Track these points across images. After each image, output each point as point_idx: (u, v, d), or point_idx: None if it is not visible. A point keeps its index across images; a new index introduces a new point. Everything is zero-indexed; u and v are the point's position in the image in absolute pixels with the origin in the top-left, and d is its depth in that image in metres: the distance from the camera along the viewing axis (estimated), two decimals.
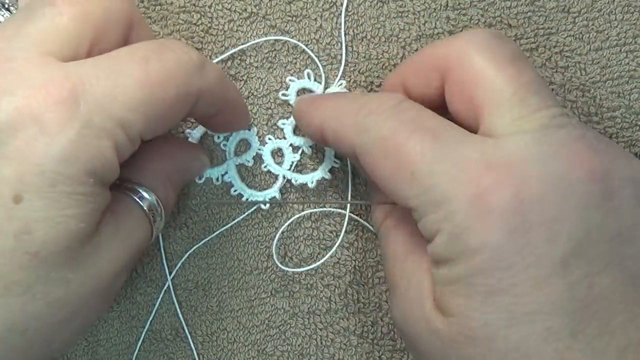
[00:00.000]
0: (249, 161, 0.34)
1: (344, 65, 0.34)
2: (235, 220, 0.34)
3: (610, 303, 0.24)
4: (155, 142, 0.29)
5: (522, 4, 0.33)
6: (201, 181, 0.34)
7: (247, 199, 0.34)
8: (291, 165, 0.34)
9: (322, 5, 0.34)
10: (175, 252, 0.34)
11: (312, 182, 0.34)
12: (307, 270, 0.34)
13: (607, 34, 0.33)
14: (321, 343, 0.34)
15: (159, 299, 0.34)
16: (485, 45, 0.26)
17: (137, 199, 0.29)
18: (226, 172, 0.34)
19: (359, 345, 0.34)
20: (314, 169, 0.34)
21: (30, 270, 0.24)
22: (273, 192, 0.34)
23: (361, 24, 0.34)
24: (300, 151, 0.34)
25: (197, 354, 0.35)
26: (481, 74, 0.26)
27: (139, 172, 0.30)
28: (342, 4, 0.33)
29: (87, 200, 0.24)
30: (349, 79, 0.34)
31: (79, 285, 0.25)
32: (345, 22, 0.34)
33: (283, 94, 0.34)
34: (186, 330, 0.35)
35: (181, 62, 0.26)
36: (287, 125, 0.33)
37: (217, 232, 0.34)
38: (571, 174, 0.24)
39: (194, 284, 0.35)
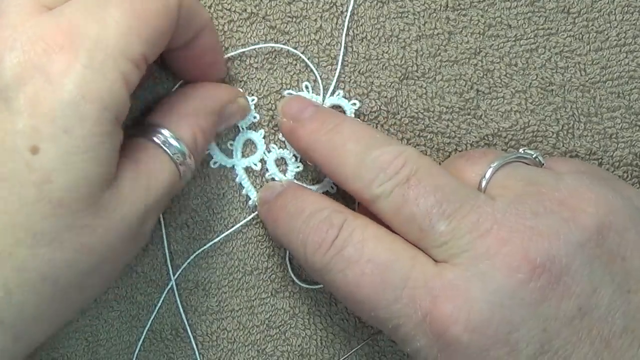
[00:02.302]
0: (256, 164, 0.34)
1: (344, 67, 0.34)
2: (240, 224, 0.34)
3: None
4: (186, 85, 0.29)
5: (522, 5, 0.33)
6: (215, 165, 0.34)
7: (253, 203, 0.34)
8: (294, 175, 0.34)
9: (322, 6, 0.34)
10: (176, 252, 0.34)
11: None
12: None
13: (607, 35, 0.33)
14: (321, 343, 0.34)
15: (160, 299, 0.34)
16: (381, 191, 0.28)
17: (160, 143, 0.29)
18: (236, 175, 0.34)
19: (359, 345, 0.34)
20: (317, 180, 0.34)
21: (55, 218, 0.24)
22: None
23: (361, 25, 0.34)
24: (301, 160, 0.34)
25: (198, 354, 0.35)
26: (389, 220, 0.28)
27: (165, 116, 0.30)
28: (342, 4, 0.33)
29: (102, 141, 0.25)
30: (348, 80, 0.34)
31: (105, 230, 0.26)
32: (345, 22, 0.34)
33: None
34: (187, 330, 0.35)
35: None
36: None
37: (223, 235, 0.34)
38: (511, 283, 0.25)
39: (194, 283, 0.35)
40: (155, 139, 0.29)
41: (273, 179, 0.34)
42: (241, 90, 0.33)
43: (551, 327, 0.25)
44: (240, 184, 0.34)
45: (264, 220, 0.32)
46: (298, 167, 0.34)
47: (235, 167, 0.34)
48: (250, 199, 0.34)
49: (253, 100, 0.34)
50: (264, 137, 0.34)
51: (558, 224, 0.26)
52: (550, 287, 0.25)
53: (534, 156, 0.30)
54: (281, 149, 0.34)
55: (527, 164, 0.30)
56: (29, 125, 0.24)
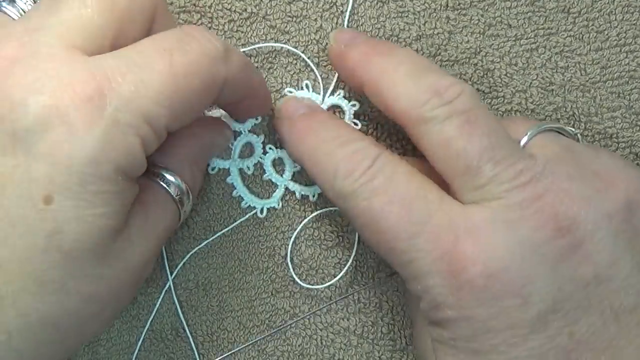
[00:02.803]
0: (249, 168, 0.34)
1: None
2: (237, 222, 0.34)
3: (593, 345, 0.25)
4: None
5: (522, 4, 0.33)
6: (214, 171, 0.34)
7: (246, 204, 0.34)
8: (293, 175, 0.34)
9: (322, 5, 0.33)
10: (176, 252, 0.34)
11: (313, 196, 0.34)
12: (326, 286, 0.34)
13: (607, 34, 0.33)
14: (321, 343, 0.34)
15: (160, 299, 0.34)
16: (436, 114, 0.27)
17: (164, 185, 0.29)
18: (229, 175, 0.34)
19: (359, 345, 0.34)
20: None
21: (63, 268, 0.24)
22: (273, 202, 0.34)
23: (361, 24, 0.34)
24: None
25: (198, 353, 0.35)
26: (435, 149, 0.27)
27: (165, 156, 0.29)
28: (342, 4, 0.33)
29: (115, 197, 0.25)
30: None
31: (112, 279, 0.26)
32: (345, 22, 0.33)
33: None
34: (187, 330, 0.35)
35: (205, 51, 0.26)
36: None
37: (219, 233, 0.34)
38: (536, 237, 0.25)
39: (194, 283, 0.35)
40: (160, 181, 0.29)
41: (270, 181, 0.34)
42: (227, 124, 0.33)
43: (565, 288, 0.25)
44: (233, 184, 0.34)
45: (281, 132, 0.32)
46: (296, 167, 0.34)
47: (230, 167, 0.34)
48: (243, 199, 0.34)
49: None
50: (262, 142, 0.34)
51: (590, 192, 0.26)
52: (571, 249, 0.25)
53: (574, 133, 0.30)
54: (278, 149, 0.34)
55: (566, 137, 0.30)
56: (45, 173, 0.23)
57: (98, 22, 0.25)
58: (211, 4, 0.33)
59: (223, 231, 0.34)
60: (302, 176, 0.34)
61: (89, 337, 0.28)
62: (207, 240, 0.34)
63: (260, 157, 0.34)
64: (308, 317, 0.34)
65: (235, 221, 0.34)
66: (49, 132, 0.23)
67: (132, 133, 0.24)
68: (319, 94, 0.33)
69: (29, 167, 0.23)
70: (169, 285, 0.34)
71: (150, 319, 0.35)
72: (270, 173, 0.34)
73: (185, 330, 0.35)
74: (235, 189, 0.34)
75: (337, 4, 0.33)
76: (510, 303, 0.25)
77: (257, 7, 0.33)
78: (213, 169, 0.34)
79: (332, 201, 0.29)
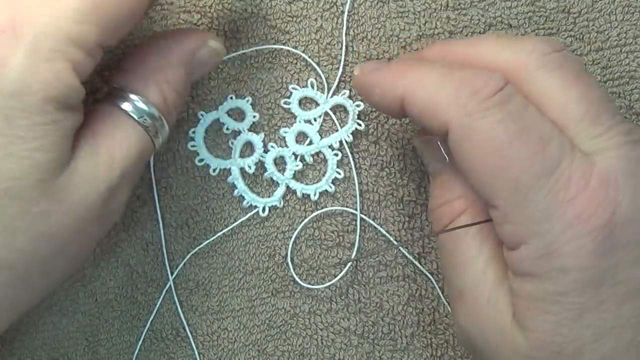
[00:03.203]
0: (250, 167, 0.33)
1: (344, 66, 0.34)
2: (237, 222, 0.34)
3: None
4: (147, 40, 0.27)
5: (522, 4, 0.33)
6: (200, 164, 0.34)
7: (248, 204, 0.34)
8: (294, 174, 0.34)
9: (323, 5, 0.33)
10: (176, 252, 0.34)
11: (315, 194, 0.34)
12: (326, 286, 0.34)
13: (607, 35, 0.33)
14: (322, 343, 0.34)
15: (160, 299, 0.34)
16: (548, 61, 0.26)
17: (123, 108, 0.27)
18: (230, 174, 0.34)
19: (360, 345, 0.34)
20: (316, 179, 0.34)
21: (4, 208, 0.23)
22: (274, 200, 0.34)
23: (362, 24, 0.34)
24: (301, 159, 0.34)
25: (198, 353, 0.35)
26: (549, 94, 0.26)
27: (126, 76, 0.28)
28: (342, 4, 0.33)
29: (50, 129, 0.24)
30: (349, 80, 0.34)
31: (63, 215, 0.25)
32: (345, 22, 0.33)
33: (285, 102, 0.34)
34: (187, 330, 0.35)
35: None
36: (290, 133, 0.33)
37: (219, 233, 0.34)
38: None
39: (194, 283, 0.35)
40: (117, 103, 0.27)
41: (271, 179, 0.34)
42: (210, 32, 0.30)
43: None
44: (234, 183, 0.34)
45: (368, 78, 0.29)
46: (297, 165, 0.34)
47: (230, 167, 0.34)
48: (244, 199, 0.34)
49: (248, 100, 0.33)
50: (262, 140, 0.34)
51: None
52: None
53: None
54: (280, 148, 0.34)
55: None
56: None
57: None
58: (211, 4, 0.33)
59: (223, 231, 0.34)
60: (303, 175, 0.34)
61: (59, 276, 0.27)
62: (208, 241, 0.34)
63: (262, 156, 0.34)
64: (308, 317, 0.34)
65: (236, 221, 0.34)
66: None
67: (56, 58, 0.23)
68: (323, 92, 0.33)
69: None
70: (169, 285, 0.34)
71: (151, 319, 0.35)
72: (272, 171, 0.33)
73: (185, 330, 0.35)
74: (237, 188, 0.34)
75: (337, 4, 0.33)
76: (627, 256, 0.24)
77: (258, 8, 0.33)
78: (215, 170, 0.34)
79: (438, 120, 0.26)
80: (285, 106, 0.34)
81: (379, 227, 0.34)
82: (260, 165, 0.34)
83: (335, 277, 0.34)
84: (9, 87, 0.23)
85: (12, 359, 0.35)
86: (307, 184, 0.34)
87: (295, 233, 0.34)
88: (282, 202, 0.34)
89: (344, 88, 0.34)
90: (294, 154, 0.33)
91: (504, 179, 0.25)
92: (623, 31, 0.33)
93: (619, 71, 0.33)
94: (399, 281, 0.34)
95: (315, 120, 0.34)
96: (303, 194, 0.34)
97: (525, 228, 0.24)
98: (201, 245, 0.34)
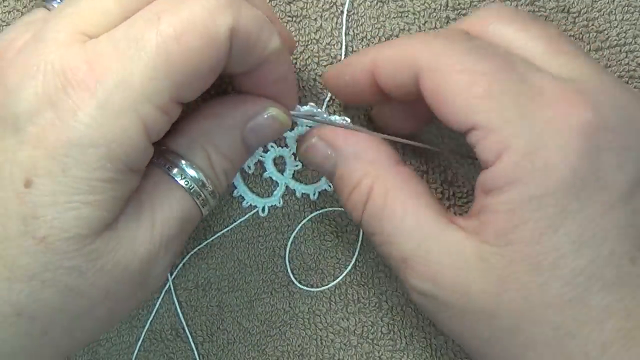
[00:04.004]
0: (250, 167, 0.33)
1: None
2: (237, 222, 0.34)
3: None
4: (204, 104, 0.27)
5: (522, 4, 0.33)
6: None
7: (248, 204, 0.34)
8: (293, 174, 0.34)
9: (322, 5, 0.33)
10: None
11: (314, 194, 0.34)
12: (326, 288, 0.34)
13: (607, 34, 0.33)
14: (321, 343, 0.34)
15: (160, 299, 0.34)
16: (503, 13, 0.27)
17: (168, 171, 0.26)
18: None
19: (359, 345, 0.34)
20: (315, 179, 0.34)
21: (36, 255, 0.23)
22: (274, 200, 0.34)
23: (361, 24, 0.34)
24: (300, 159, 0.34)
25: (197, 353, 0.35)
26: (509, 38, 0.26)
27: (175, 139, 0.27)
28: (342, 4, 0.33)
29: (105, 186, 0.23)
30: None
31: (96, 275, 0.24)
32: (345, 22, 0.33)
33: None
34: (186, 330, 0.35)
35: (201, 4, 0.23)
36: (291, 134, 0.33)
37: (219, 233, 0.34)
38: (636, 104, 0.25)
39: (194, 284, 0.35)
40: (164, 166, 0.26)
41: (271, 179, 0.34)
42: (274, 102, 0.28)
43: None
44: (234, 184, 0.34)
45: (339, 66, 0.30)
46: (297, 165, 0.33)
47: None
48: (244, 199, 0.34)
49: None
50: None
51: None
52: None
53: None
54: (280, 148, 0.33)
55: None
56: (28, 157, 0.23)
57: (112, 7, 0.24)
58: None
59: (223, 231, 0.34)
60: (303, 175, 0.34)
61: (84, 336, 0.26)
62: (207, 241, 0.34)
63: (261, 156, 0.33)
64: (307, 317, 0.34)
65: (235, 221, 0.34)
66: (38, 117, 0.23)
67: (126, 115, 0.23)
68: (321, 108, 0.33)
69: (15, 151, 0.23)
70: (169, 286, 0.34)
71: (150, 319, 0.35)
72: (271, 171, 0.33)
73: (185, 331, 0.35)
74: (236, 188, 0.34)
75: (337, 3, 0.33)
76: (609, 161, 0.24)
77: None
78: None
79: (405, 68, 0.27)
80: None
81: None
82: (260, 165, 0.34)
83: (334, 277, 0.34)
84: (72, 137, 0.23)
85: None
86: (306, 184, 0.34)
87: (294, 233, 0.34)
88: (281, 202, 0.34)
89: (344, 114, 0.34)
90: (293, 154, 0.33)
91: (477, 92, 0.24)
92: (623, 31, 0.33)
93: (619, 71, 0.33)
94: (398, 281, 0.34)
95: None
96: (302, 193, 0.34)
97: (505, 133, 0.24)
98: (200, 246, 0.34)
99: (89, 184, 0.23)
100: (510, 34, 0.26)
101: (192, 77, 0.24)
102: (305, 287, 0.34)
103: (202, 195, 0.27)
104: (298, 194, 0.34)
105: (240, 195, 0.34)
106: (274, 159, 0.34)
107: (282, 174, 0.34)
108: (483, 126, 0.24)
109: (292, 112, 0.29)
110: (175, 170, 0.26)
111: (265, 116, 0.28)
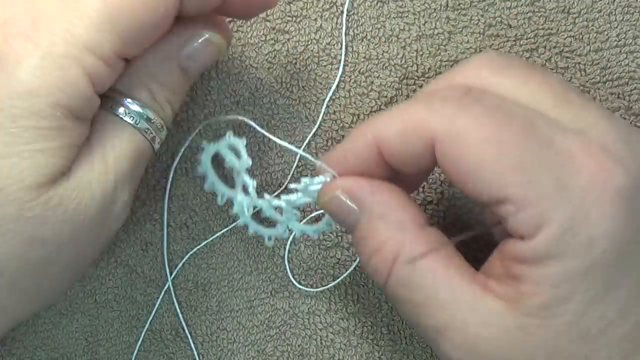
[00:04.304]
0: (248, 209, 0.30)
1: (344, 66, 0.34)
2: (236, 222, 0.34)
3: None
4: None
5: (522, 5, 0.33)
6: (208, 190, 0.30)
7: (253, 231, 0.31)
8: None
9: (322, 5, 0.33)
10: (175, 252, 0.34)
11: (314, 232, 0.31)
12: (326, 288, 0.34)
13: (607, 35, 0.33)
14: (321, 343, 0.35)
15: (159, 299, 0.34)
16: (496, 65, 0.26)
17: (115, 111, 0.26)
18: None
19: (359, 345, 0.34)
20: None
21: None
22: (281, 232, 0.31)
23: (361, 24, 0.34)
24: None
25: (197, 354, 0.35)
26: (512, 93, 0.25)
27: (119, 79, 0.26)
28: (342, 4, 0.33)
29: (56, 134, 0.24)
30: (349, 80, 0.34)
31: (57, 222, 0.24)
32: (345, 22, 0.33)
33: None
34: (186, 330, 0.35)
35: None
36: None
37: (219, 233, 0.34)
38: None
39: (194, 284, 0.35)
40: (109, 108, 0.26)
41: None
42: (209, 23, 0.28)
43: None
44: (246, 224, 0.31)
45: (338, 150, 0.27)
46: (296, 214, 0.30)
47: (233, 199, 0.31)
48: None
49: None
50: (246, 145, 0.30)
51: None
52: None
53: None
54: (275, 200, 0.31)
55: None
56: None
57: None
58: None
59: (223, 231, 0.34)
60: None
61: (53, 286, 0.26)
62: (207, 241, 0.34)
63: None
64: (307, 317, 0.34)
65: (235, 221, 0.34)
66: None
67: (71, 65, 0.23)
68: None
69: None
70: (169, 286, 0.34)
71: (150, 319, 0.35)
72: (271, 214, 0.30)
73: (184, 331, 0.35)
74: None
75: (337, 3, 0.33)
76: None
77: None
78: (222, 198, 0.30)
79: (418, 137, 0.25)
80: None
81: None
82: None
83: (334, 277, 0.34)
84: (18, 87, 0.23)
85: (12, 359, 0.35)
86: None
87: (293, 233, 0.34)
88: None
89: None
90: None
91: (507, 165, 0.23)
92: (622, 31, 0.33)
93: (619, 72, 0.33)
94: None
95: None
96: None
97: (543, 207, 0.23)
98: (200, 246, 0.34)
99: (39, 133, 0.23)
100: (513, 86, 0.25)
101: (137, 33, 0.24)
102: (305, 288, 0.34)
103: (150, 129, 0.27)
104: (297, 234, 0.33)
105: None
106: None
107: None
108: (517, 200, 0.23)
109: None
110: (120, 109, 0.27)
111: (200, 40, 0.28)
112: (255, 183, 0.30)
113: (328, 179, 0.27)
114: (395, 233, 0.26)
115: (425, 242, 0.25)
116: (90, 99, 0.24)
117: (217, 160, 0.29)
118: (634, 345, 0.23)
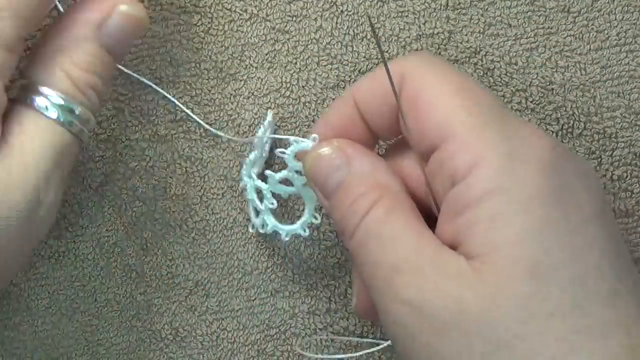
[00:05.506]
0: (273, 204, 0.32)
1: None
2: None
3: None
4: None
5: (522, 4, 0.33)
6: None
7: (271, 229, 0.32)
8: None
9: (322, 5, 0.34)
10: (175, 252, 0.34)
11: (286, 235, 0.32)
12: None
13: (607, 34, 0.33)
14: (321, 343, 0.34)
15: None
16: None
17: (26, 101, 0.24)
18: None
19: (359, 345, 0.34)
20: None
21: None
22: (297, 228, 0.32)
23: (361, 24, 0.34)
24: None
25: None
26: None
27: (31, 65, 0.25)
28: (342, 4, 0.33)
29: None
30: (349, 80, 0.34)
31: None
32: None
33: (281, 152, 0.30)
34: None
35: None
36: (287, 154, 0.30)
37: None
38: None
39: (194, 283, 0.35)
40: (24, 99, 0.24)
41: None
42: None
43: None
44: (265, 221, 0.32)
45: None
46: (272, 204, 0.32)
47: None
48: (247, 201, 0.33)
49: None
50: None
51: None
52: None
53: None
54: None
55: None
56: None
57: None
58: (211, 4, 0.33)
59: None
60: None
61: None
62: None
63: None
64: (307, 317, 0.34)
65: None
66: None
67: None
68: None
69: None
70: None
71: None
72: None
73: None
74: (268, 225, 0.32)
75: (337, 3, 0.33)
76: (577, 183, 0.24)
77: (257, 8, 0.33)
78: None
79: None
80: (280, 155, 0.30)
81: None
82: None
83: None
84: None
85: (12, 359, 0.35)
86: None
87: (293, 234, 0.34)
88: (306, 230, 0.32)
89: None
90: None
91: (459, 104, 0.24)
92: (623, 30, 0.33)
93: (619, 70, 0.33)
94: None
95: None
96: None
97: (482, 146, 0.23)
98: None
99: None
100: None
101: (31, 10, 0.23)
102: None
103: (74, 122, 0.25)
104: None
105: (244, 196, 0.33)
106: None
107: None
108: (460, 137, 0.23)
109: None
110: (38, 102, 0.24)
111: (117, 16, 0.26)
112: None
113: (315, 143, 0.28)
114: (380, 187, 0.26)
115: (404, 201, 0.26)
116: None
117: None
118: (587, 294, 0.22)
